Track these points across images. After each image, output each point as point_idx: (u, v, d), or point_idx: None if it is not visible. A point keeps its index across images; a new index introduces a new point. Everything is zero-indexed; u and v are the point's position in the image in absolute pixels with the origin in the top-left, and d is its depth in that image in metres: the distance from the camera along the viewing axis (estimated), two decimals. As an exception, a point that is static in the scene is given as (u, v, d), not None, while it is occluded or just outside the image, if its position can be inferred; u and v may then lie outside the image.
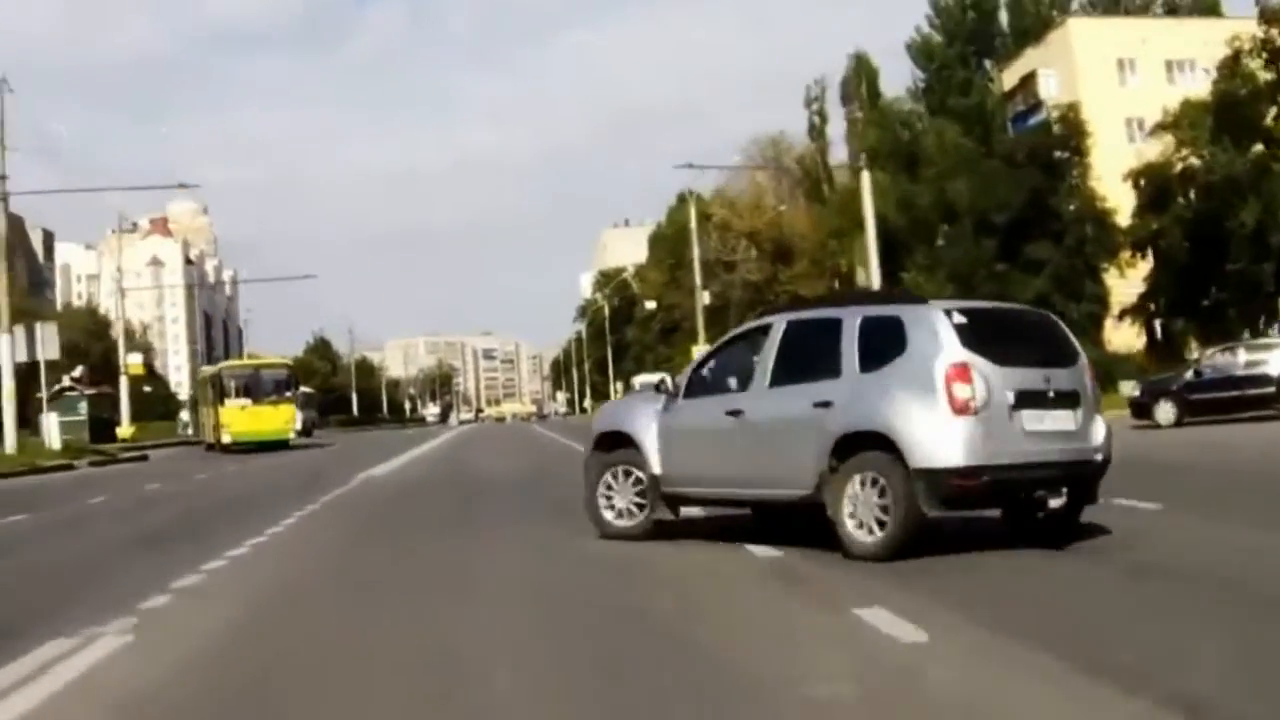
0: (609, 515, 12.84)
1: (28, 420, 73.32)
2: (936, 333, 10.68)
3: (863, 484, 10.66)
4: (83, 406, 70.24)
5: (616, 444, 12.96)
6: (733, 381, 12.27)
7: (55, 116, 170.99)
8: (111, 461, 43.45)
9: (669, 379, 13.14)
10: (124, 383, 70.78)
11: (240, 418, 50.46)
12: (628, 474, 12.77)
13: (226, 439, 49.63)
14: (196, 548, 13.18)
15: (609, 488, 12.86)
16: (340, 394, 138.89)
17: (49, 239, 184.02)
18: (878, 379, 10.83)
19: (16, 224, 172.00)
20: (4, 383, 41.42)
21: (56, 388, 74.91)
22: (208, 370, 64.61)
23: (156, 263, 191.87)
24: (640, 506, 12.72)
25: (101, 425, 67.79)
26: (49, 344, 42.27)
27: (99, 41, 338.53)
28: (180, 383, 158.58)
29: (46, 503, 22.94)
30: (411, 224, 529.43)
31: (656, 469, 12.52)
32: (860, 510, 10.67)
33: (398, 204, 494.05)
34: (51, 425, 43.80)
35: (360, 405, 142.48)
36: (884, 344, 10.91)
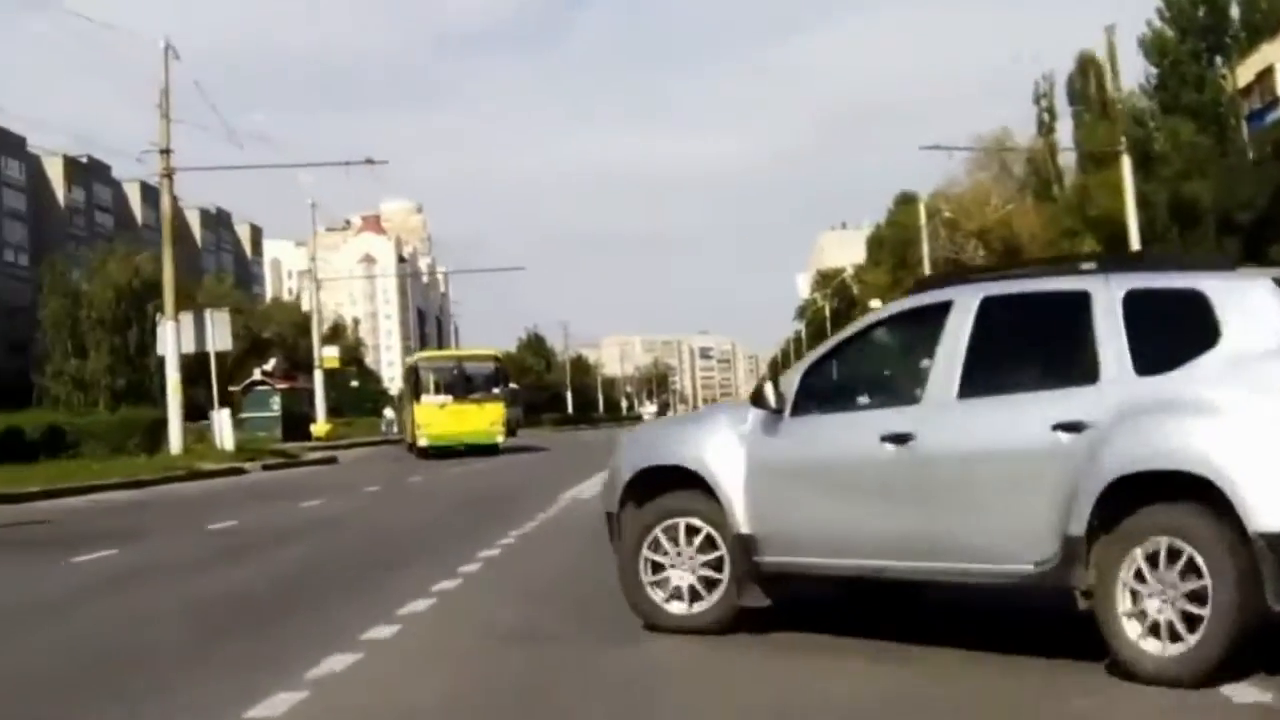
0: (659, 596, 8.55)
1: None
2: (1272, 314, 6.75)
3: (1153, 559, 6.61)
4: (275, 402, 67.12)
5: (670, 485, 8.57)
6: (884, 390, 8.32)
7: (273, 112, 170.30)
8: (291, 464, 38.91)
9: (770, 386, 8.29)
10: (319, 376, 66.55)
11: (439, 417, 43.58)
12: (692, 532, 8.47)
13: (423, 441, 42.79)
14: (262, 644, 8.34)
15: (659, 550, 8.55)
16: (554, 391, 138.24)
17: (257, 234, 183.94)
18: (1169, 387, 6.77)
19: (224, 219, 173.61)
20: (169, 375, 37.05)
21: (247, 382, 72.17)
22: (408, 361, 58.00)
23: (369, 259, 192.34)
24: (711, 584, 8.41)
25: (296, 421, 64.37)
26: (219, 334, 37.62)
27: (327, 40, 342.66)
28: (393, 378, 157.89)
29: (130, 532, 17.56)
30: (625, 224, 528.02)
31: (744, 525, 8.23)
32: (1150, 601, 6.59)
33: (612, 204, 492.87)
34: (222, 424, 38.98)
35: (575, 403, 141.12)
36: (1173, 331, 7.00)
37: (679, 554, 8.40)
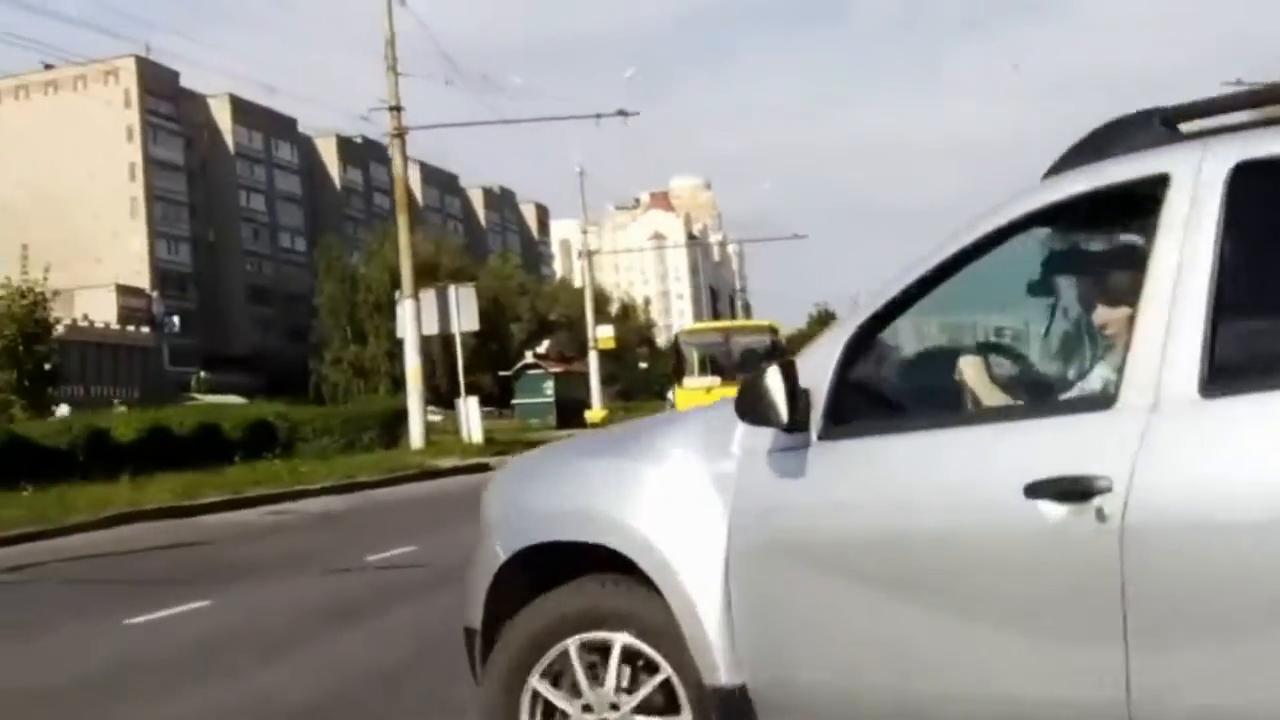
0: None
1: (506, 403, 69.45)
2: None
3: None
4: (548, 386, 63.81)
5: (582, 566, 4.34)
6: (1020, 380, 4.08)
7: (558, 88, 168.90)
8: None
9: (777, 379, 3.87)
10: (593, 358, 62.76)
11: (704, 403, 37.40)
12: (628, 659, 4.23)
13: None
14: None
15: (559, 683, 4.34)
16: None
17: (543, 214, 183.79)
18: None
19: (508, 198, 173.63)
20: (408, 359, 33.41)
21: (519, 365, 69.17)
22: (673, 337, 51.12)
23: (658, 237, 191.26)
24: None
25: (572, 407, 60.88)
26: (465, 312, 33.70)
27: (609, 15, 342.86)
28: None
29: (262, 564, 13.41)
30: (917, 195, 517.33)
31: (724, 669, 3.98)
32: None
33: (903, 174, 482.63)
34: (470, 413, 35.05)
35: None
36: None
37: (596, 693, 4.27)
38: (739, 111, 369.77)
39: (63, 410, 39.56)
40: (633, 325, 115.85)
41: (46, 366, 29.79)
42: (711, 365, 38.00)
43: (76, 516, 17.93)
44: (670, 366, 44.28)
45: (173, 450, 25.41)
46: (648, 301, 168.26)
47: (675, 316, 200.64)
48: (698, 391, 35.50)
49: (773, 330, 41.11)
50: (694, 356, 39.03)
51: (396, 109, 33.35)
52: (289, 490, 22.20)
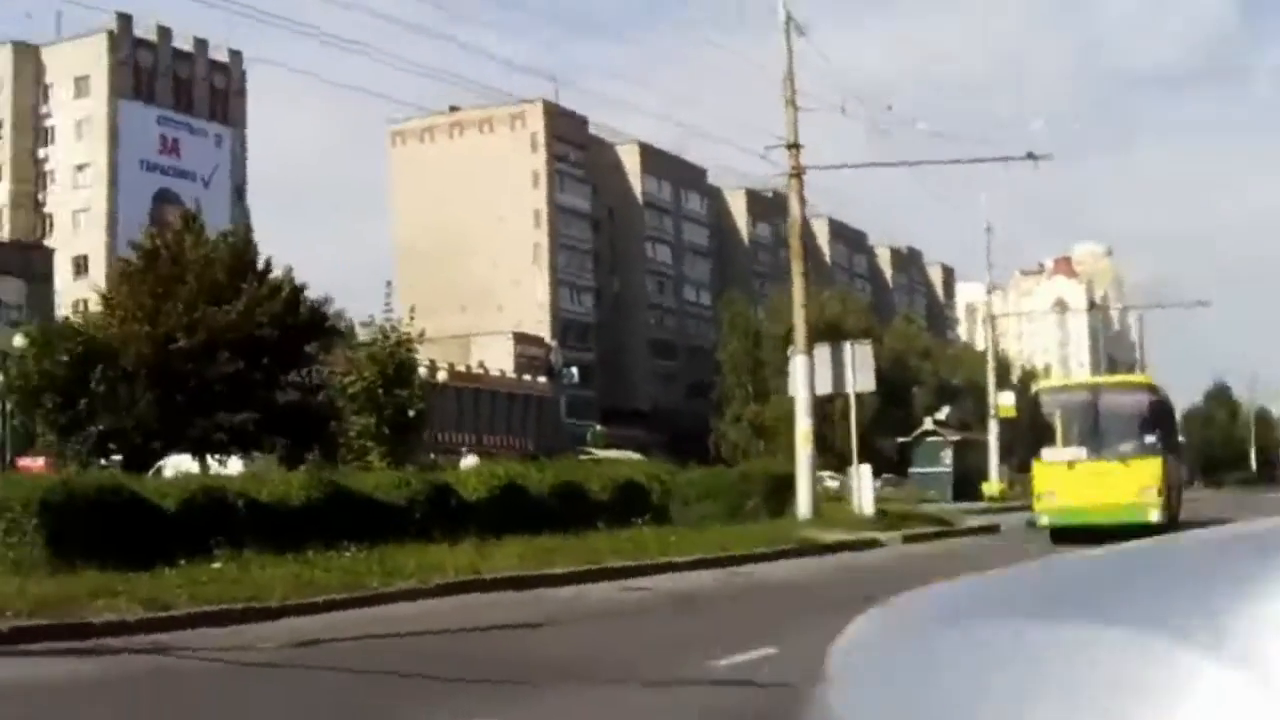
0: None
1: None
2: None
3: None
4: (947, 455, 60.35)
5: None
6: None
7: (942, 135, 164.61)
8: (943, 534, 31.20)
9: None
10: (993, 427, 58.59)
11: (1066, 481, 28.25)
12: None
13: (1045, 518, 28.37)
14: None
15: None
16: (1238, 449, 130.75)
17: (949, 276, 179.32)
18: None
19: (915, 258, 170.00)
20: (799, 421, 30.51)
21: (918, 431, 65.69)
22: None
23: (1060, 304, 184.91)
24: None
25: (970, 479, 57.19)
26: (861, 371, 30.63)
27: (997, 75, 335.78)
28: None
29: (543, 669, 10.51)
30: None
31: None
32: None
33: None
34: (861, 483, 31.85)
35: (1257, 460, 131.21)
36: None
37: None
38: (1141, 174, 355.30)
39: (469, 460, 38.18)
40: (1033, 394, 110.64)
41: (410, 413, 28.00)
42: (1078, 433, 29.88)
43: (400, 583, 15.74)
44: (1026, 431, 36.72)
45: (528, 511, 22.87)
46: (1048, 369, 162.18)
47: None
48: (1058, 467, 28.22)
49: (1150, 389, 31.67)
50: (1056, 422, 30.59)
51: (794, 146, 30.81)
52: (651, 563, 19.51)
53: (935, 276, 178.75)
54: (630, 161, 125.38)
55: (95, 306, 42.65)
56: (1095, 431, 28.00)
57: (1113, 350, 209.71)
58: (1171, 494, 29.92)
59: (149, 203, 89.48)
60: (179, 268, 37.80)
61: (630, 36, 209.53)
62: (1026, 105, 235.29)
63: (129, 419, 32.13)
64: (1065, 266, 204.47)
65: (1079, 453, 27.74)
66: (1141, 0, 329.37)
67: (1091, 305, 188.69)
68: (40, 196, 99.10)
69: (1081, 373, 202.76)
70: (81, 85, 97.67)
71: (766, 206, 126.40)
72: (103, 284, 47.84)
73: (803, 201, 31.74)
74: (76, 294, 77.48)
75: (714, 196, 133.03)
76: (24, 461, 42.17)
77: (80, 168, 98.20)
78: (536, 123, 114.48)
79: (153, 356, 35.56)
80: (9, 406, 33.48)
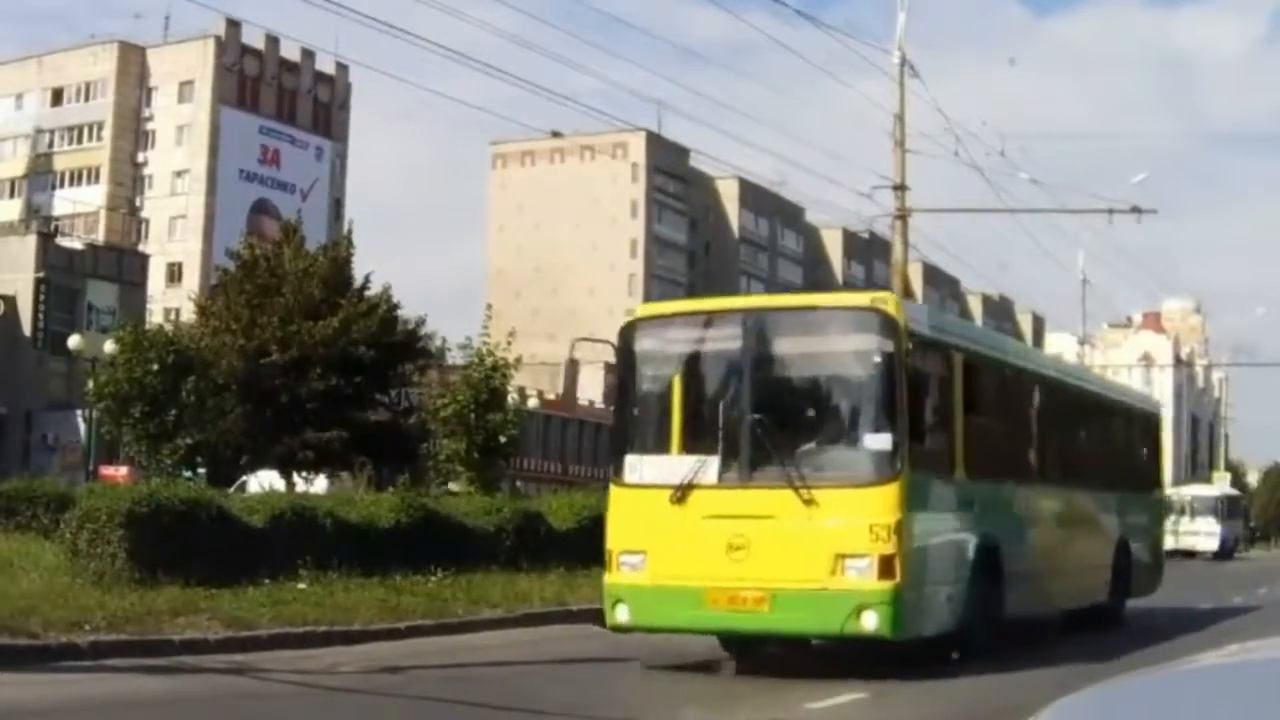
0: None
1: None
2: None
3: None
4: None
5: None
6: None
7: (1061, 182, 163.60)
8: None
9: None
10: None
11: (668, 533, 9.74)
12: None
13: (620, 613, 13.63)
14: None
15: None
16: None
17: (1039, 325, 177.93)
18: None
19: (1006, 306, 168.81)
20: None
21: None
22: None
23: (1147, 359, 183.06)
24: None
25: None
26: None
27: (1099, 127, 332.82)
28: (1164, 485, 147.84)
29: None
30: None
31: None
32: None
33: None
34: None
35: None
36: None
37: None
38: (1233, 231, 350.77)
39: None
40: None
41: (501, 438, 27.70)
42: (700, 415, 19.51)
43: (487, 611, 15.53)
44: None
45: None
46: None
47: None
48: (653, 498, 8.59)
49: (885, 314, 10.31)
50: (649, 386, 19.48)
51: (901, 188, 30.41)
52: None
53: (1025, 324, 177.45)
54: (729, 195, 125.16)
55: (188, 315, 42.71)
56: (741, 414, 12.89)
57: (1195, 408, 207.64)
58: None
59: (246, 212, 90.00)
60: (276, 280, 37.68)
61: (737, 67, 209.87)
62: (1125, 159, 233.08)
63: (216, 432, 32.00)
64: (1154, 322, 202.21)
65: (703, 467, 12.76)
66: (1240, 59, 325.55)
67: (1178, 361, 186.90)
68: (137, 201, 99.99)
69: (1164, 431, 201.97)
70: (185, 90, 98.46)
71: (861, 246, 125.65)
72: (196, 292, 48.03)
73: (906, 243, 31.34)
74: (169, 302, 78.16)
75: (810, 234, 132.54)
76: (107, 470, 42.21)
77: (179, 174, 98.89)
78: (638, 152, 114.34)
79: (244, 369, 35.54)
80: (95, 414, 33.48)
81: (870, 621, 11.82)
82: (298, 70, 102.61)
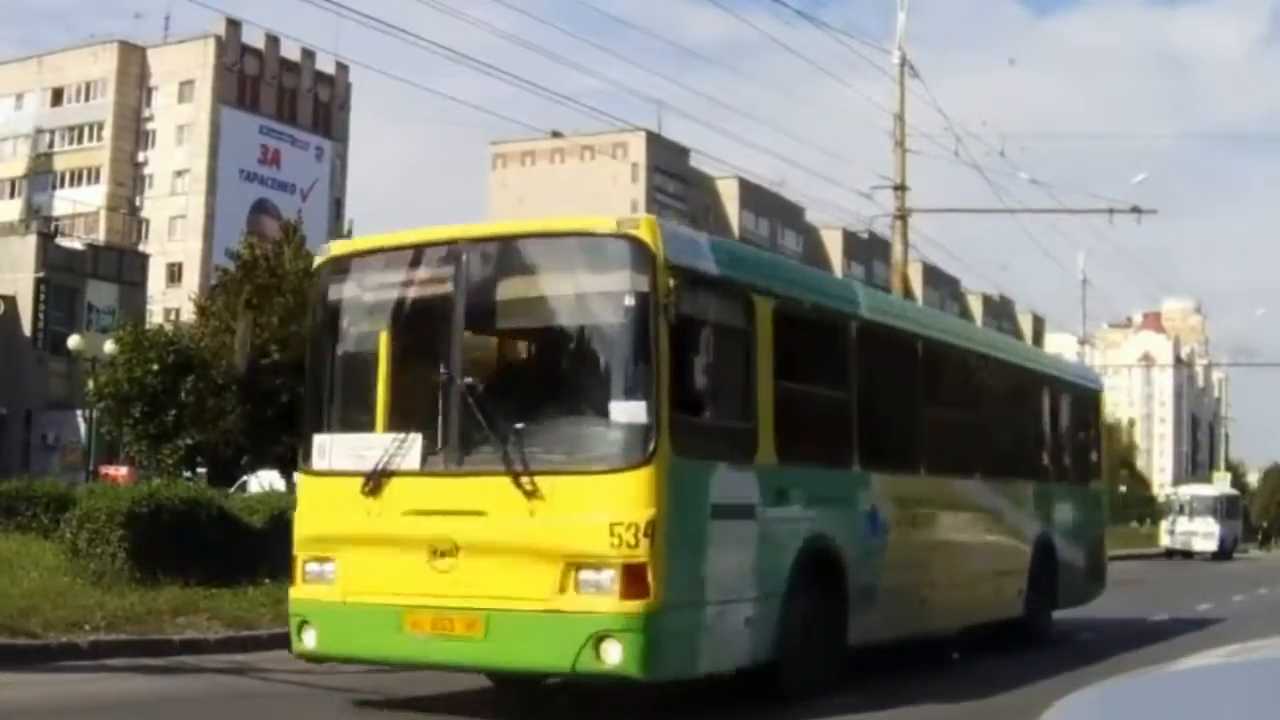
0: None
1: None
2: None
3: None
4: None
5: None
6: None
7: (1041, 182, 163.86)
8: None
9: None
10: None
11: (359, 534, 8.22)
12: None
13: (307, 638, 10.68)
14: None
15: None
16: None
17: (1039, 325, 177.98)
18: None
19: (1006, 306, 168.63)
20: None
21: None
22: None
23: (1147, 359, 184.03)
24: None
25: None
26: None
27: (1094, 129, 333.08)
28: (1162, 484, 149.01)
29: None
30: None
31: None
32: None
33: None
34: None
35: None
36: None
37: None
38: (1232, 231, 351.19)
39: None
40: (1115, 447, 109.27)
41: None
42: (389, 384, 13.29)
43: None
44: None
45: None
46: (1131, 423, 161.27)
47: (1156, 441, 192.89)
48: (341, 488, 10.48)
49: (637, 239, 9.87)
50: (338, 352, 9.96)
51: (901, 188, 30.52)
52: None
53: (1025, 324, 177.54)
54: (729, 195, 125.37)
55: (188, 315, 42.70)
56: (451, 379, 9.78)
57: (1195, 408, 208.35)
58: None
59: (246, 212, 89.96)
60: (276, 280, 37.81)
61: (737, 67, 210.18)
62: (1125, 159, 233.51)
63: (216, 432, 31.96)
64: (1154, 322, 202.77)
65: (402, 448, 9.78)
66: (1240, 59, 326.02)
67: (1178, 361, 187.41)
68: (137, 201, 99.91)
69: (1164, 427, 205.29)
70: (185, 90, 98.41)
71: (861, 247, 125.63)
72: (196, 292, 47.97)
73: (906, 244, 31.45)
74: (169, 302, 78.21)
75: (810, 234, 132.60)
76: (107, 470, 42.30)
77: (179, 173, 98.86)
78: (638, 152, 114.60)
79: (244, 369, 35.66)
80: (95, 414, 33.46)
81: (613, 655, 8.78)
82: (298, 70, 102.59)
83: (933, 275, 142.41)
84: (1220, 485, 71.76)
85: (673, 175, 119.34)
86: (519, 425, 9.27)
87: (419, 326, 10.13)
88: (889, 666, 12.23)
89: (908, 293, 32.89)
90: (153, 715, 10.23)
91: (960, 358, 14.41)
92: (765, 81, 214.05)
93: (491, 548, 9.12)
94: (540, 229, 10.48)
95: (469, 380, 9.51)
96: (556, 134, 49.43)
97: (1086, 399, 18.39)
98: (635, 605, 8.76)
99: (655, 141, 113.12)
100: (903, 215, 30.74)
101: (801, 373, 10.94)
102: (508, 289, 10.00)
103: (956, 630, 13.72)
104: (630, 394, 9.16)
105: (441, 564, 9.20)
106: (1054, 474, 16.64)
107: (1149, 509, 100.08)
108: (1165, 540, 57.85)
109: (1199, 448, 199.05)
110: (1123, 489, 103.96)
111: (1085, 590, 17.34)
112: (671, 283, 9.08)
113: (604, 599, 8.80)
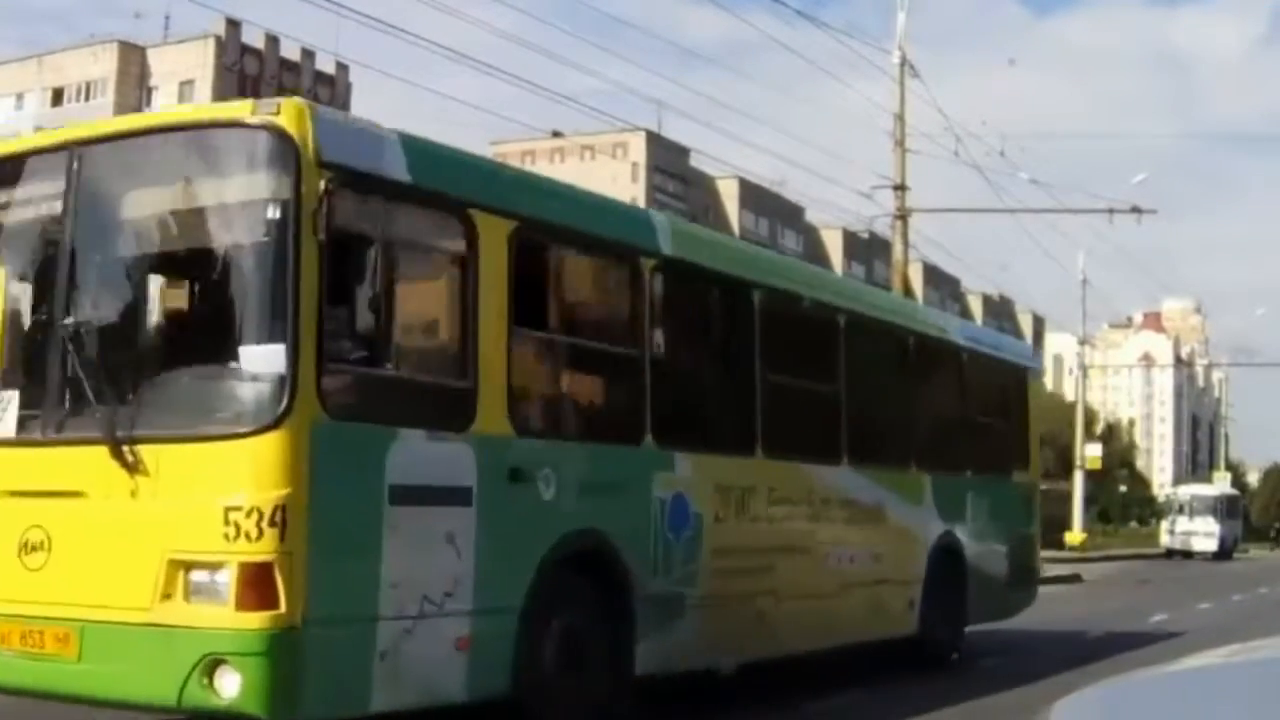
0: None
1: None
2: None
3: None
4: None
5: None
6: None
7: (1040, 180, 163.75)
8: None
9: None
10: (1078, 478, 59.44)
11: None
12: None
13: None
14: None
15: None
16: None
17: (1039, 325, 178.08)
18: None
19: (1006, 306, 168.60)
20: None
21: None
22: None
23: (1147, 359, 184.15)
24: None
25: (1051, 528, 56.77)
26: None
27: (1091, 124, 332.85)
28: (1162, 484, 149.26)
29: None
30: None
31: None
32: None
33: None
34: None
35: None
36: None
37: None
38: (1232, 231, 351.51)
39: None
40: (1116, 447, 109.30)
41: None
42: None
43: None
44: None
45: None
46: (1131, 423, 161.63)
47: (1156, 440, 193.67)
48: None
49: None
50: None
51: (901, 188, 30.59)
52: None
53: (1025, 324, 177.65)
54: (729, 195, 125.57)
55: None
56: (53, 320, 7.44)
57: (1195, 408, 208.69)
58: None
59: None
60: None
61: (737, 67, 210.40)
62: (1125, 159, 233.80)
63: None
64: (1154, 322, 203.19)
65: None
66: (1240, 59, 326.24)
67: (1178, 361, 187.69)
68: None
69: (1164, 427, 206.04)
70: (185, 90, 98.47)
71: (861, 246, 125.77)
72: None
73: (906, 243, 31.54)
74: (170, 300, 78.37)
75: (810, 234, 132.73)
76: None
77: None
78: (638, 152, 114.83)
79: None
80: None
81: (229, 686, 6.47)
82: (298, 70, 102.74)
83: (933, 275, 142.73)
84: (1220, 485, 71.96)
85: (673, 175, 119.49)
86: (131, 380, 7.17)
87: (27, 254, 7.71)
88: (889, 666, 12.29)
89: (908, 292, 33.04)
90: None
91: (825, 316, 11.47)
92: (765, 81, 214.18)
93: (89, 540, 6.90)
94: (163, 121, 8.03)
95: (72, 321, 7.19)
96: (557, 134, 49.69)
97: (1013, 377, 15.47)
98: (258, 619, 6.46)
99: (655, 141, 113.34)
100: (903, 215, 30.83)
101: (564, 321, 8.80)
102: (127, 204, 7.58)
103: (824, 650, 11.60)
104: (261, 335, 6.79)
105: (33, 560, 6.98)
106: (963, 464, 13.70)
107: (1149, 509, 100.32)
108: (1165, 540, 58.20)
109: (1199, 448, 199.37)
110: (1123, 489, 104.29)
111: (1008, 601, 14.77)
112: (324, 186, 6.78)
113: (217, 610, 6.51)
